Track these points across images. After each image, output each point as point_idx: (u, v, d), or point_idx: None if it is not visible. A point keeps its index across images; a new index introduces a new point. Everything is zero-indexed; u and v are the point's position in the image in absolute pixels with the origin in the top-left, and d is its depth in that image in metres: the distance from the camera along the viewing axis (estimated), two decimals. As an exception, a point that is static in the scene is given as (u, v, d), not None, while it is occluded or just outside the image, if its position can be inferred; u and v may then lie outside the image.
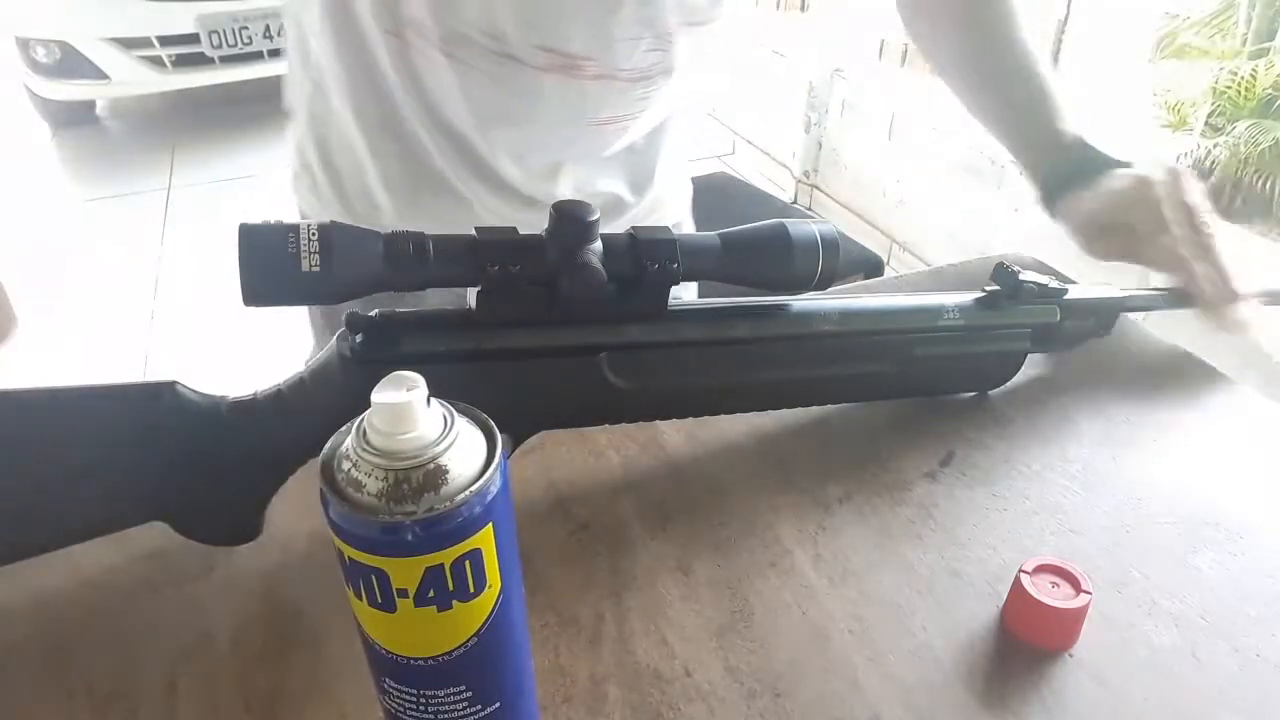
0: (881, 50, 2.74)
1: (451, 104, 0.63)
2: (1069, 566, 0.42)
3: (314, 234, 0.37)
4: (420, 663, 0.29)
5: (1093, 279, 0.60)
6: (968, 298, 0.54)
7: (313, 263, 0.37)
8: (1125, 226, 0.60)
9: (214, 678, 0.40)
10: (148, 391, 0.41)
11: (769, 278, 0.47)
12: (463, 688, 0.30)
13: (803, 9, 3.25)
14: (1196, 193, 0.59)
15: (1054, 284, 0.55)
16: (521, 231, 0.42)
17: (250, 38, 3.45)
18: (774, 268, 0.46)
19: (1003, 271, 0.54)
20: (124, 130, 3.93)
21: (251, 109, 3.67)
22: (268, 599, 0.44)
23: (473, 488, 0.26)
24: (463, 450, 0.27)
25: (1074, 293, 0.56)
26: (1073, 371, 0.61)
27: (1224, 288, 0.57)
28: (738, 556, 0.47)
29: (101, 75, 3.36)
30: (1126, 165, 0.63)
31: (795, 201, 2.98)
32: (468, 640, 0.29)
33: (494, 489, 0.27)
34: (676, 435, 0.55)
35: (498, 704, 0.31)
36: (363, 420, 0.27)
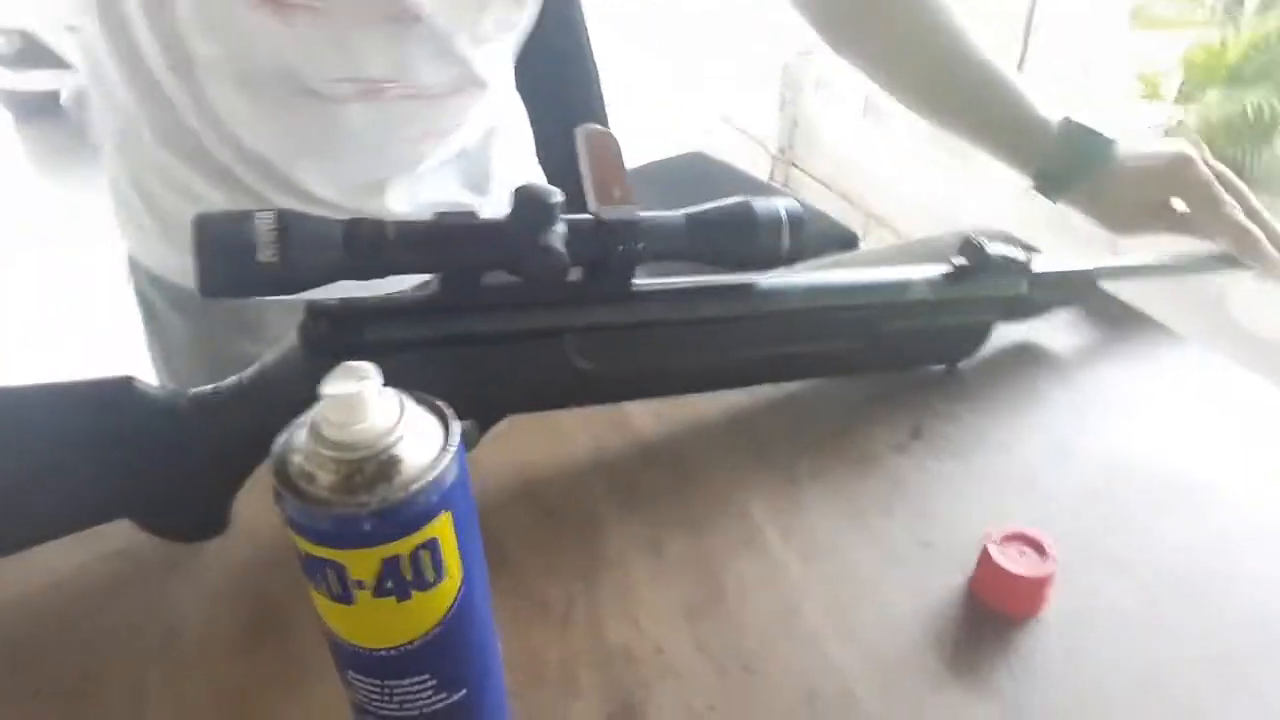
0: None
1: (255, 138, 0.60)
2: (1036, 535, 0.43)
3: (271, 223, 0.36)
4: (382, 653, 0.29)
5: (1062, 248, 0.60)
6: (935, 271, 0.54)
7: (271, 252, 0.36)
8: (1166, 204, 0.65)
9: (182, 674, 0.40)
10: (104, 387, 0.41)
11: (735, 255, 0.46)
12: (427, 676, 0.30)
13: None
14: (1215, 161, 0.63)
15: (1021, 256, 0.55)
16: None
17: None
18: (740, 245, 0.46)
19: (969, 245, 0.54)
20: (90, 120, 3.86)
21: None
22: (235, 593, 0.44)
23: (427, 477, 0.26)
24: (417, 439, 0.27)
25: (1042, 264, 0.56)
26: (1041, 341, 0.62)
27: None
28: (709, 535, 0.47)
29: (65, 65, 3.29)
30: (1114, 141, 0.65)
31: (772, 179, 2.98)
32: (430, 630, 0.29)
33: (450, 477, 0.27)
34: (645, 415, 0.54)
35: (464, 691, 0.31)
36: (314, 413, 0.27)
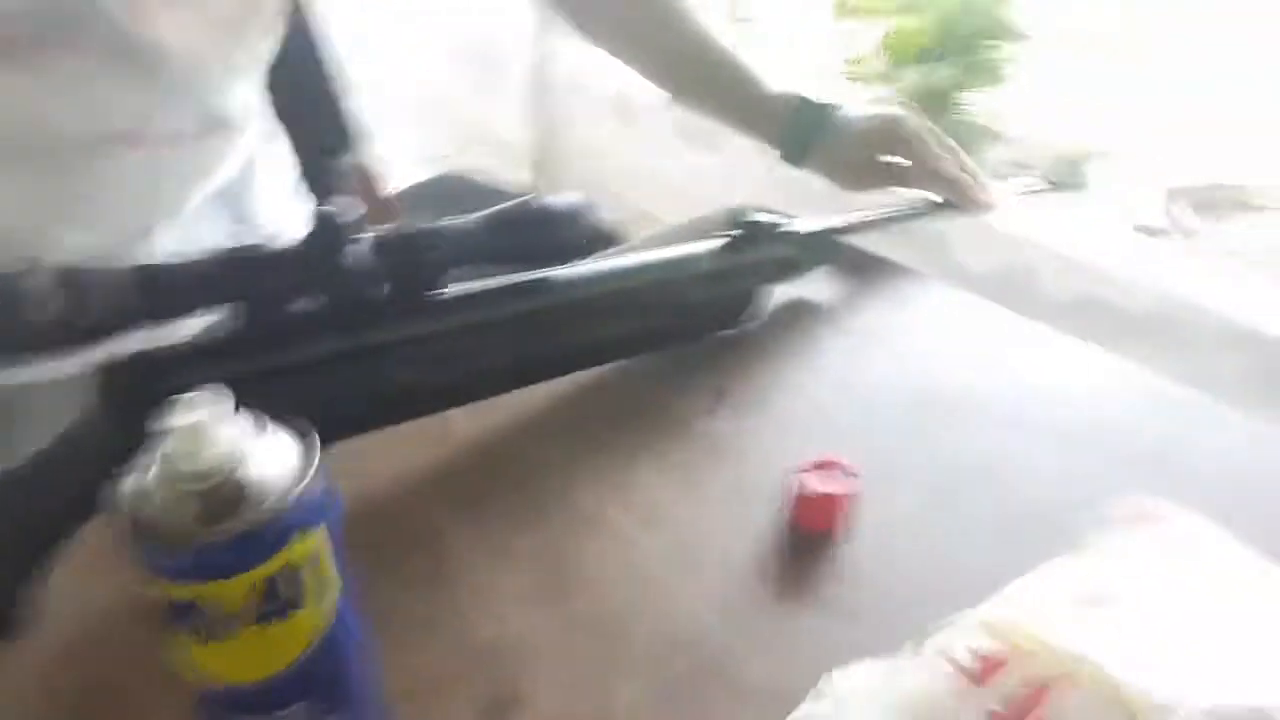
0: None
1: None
2: (837, 459, 0.48)
3: (52, 276, 0.34)
4: (264, 684, 0.28)
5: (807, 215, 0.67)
6: (713, 244, 0.59)
7: (55, 307, 0.34)
8: (884, 162, 0.71)
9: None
10: None
11: (533, 251, 0.49)
12: (311, 698, 0.30)
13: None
14: (925, 120, 0.71)
15: (783, 221, 0.61)
16: None
17: None
18: (536, 241, 0.48)
19: (738, 216, 0.59)
20: None
21: None
22: (59, 691, 0.40)
23: (294, 492, 0.26)
24: (277, 457, 0.27)
25: (800, 227, 0.63)
26: (810, 296, 0.69)
27: (985, 188, 0.71)
28: (552, 523, 0.49)
29: None
30: (839, 107, 0.73)
31: (535, 185, 3.01)
32: (311, 647, 0.29)
33: (317, 490, 0.27)
34: (468, 421, 0.55)
35: (348, 707, 0.32)
36: (157, 449, 0.26)
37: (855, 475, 0.48)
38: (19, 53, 0.50)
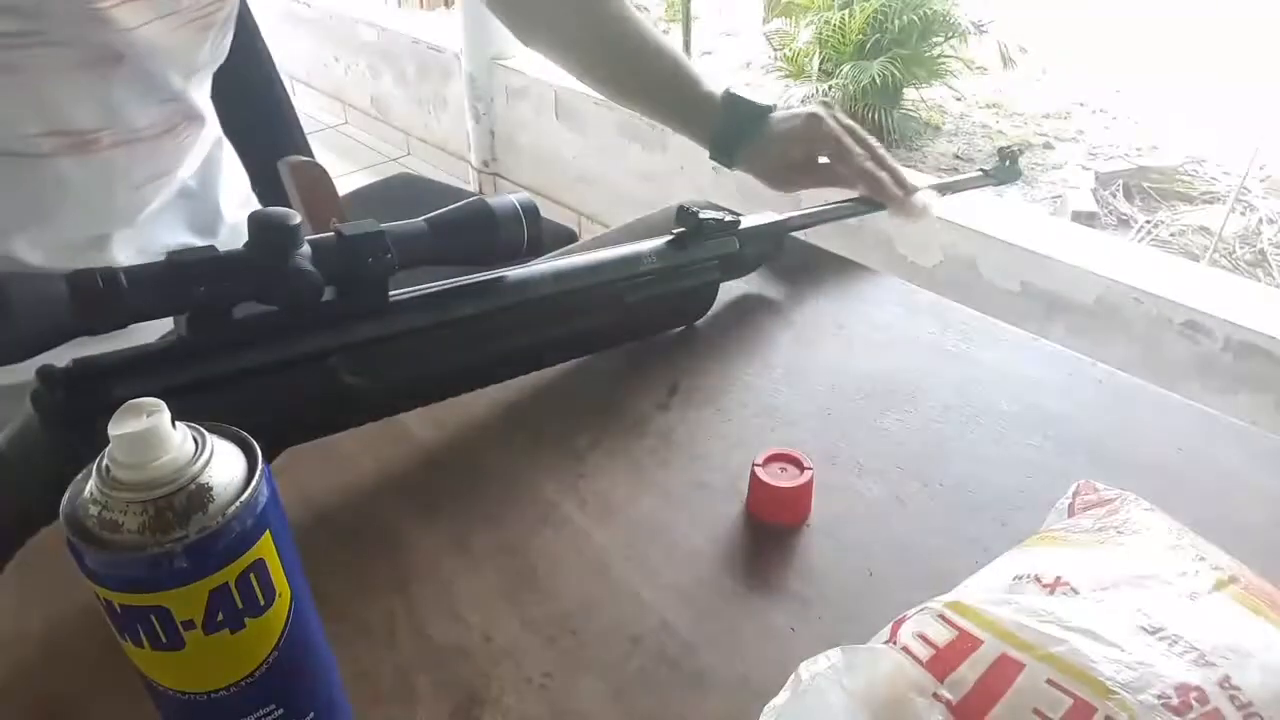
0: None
1: None
2: (791, 452, 0.49)
3: None
4: (224, 693, 0.28)
5: (753, 211, 0.68)
6: (660, 242, 0.59)
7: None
8: (811, 160, 0.73)
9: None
10: None
11: (480, 252, 0.49)
12: (273, 706, 0.29)
13: (447, 5, 3.25)
14: (846, 118, 0.72)
15: (729, 218, 0.62)
16: None
17: None
18: (483, 241, 0.48)
19: (685, 214, 0.60)
20: None
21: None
22: (13, 708, 0.39)
23: (241, 499, 0.26)
24: (222, 464, 0.26)
25: (746, 223, 0.64)
26: (758, 291, 0.70)
27: (905, 185, 0.72)
28: (509, 522, 0.49)
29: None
30: (773, 108, 0.74)
31: (480, 191, 3.00)
32: (269, 655, 0.28)
33: (263, 496, 0.27)
34: (423, 425, 0.55)
35: (311, 714, 0.31)
36: (102, 459, 0.25)
37: (809, 468, 0.48)
38: None
